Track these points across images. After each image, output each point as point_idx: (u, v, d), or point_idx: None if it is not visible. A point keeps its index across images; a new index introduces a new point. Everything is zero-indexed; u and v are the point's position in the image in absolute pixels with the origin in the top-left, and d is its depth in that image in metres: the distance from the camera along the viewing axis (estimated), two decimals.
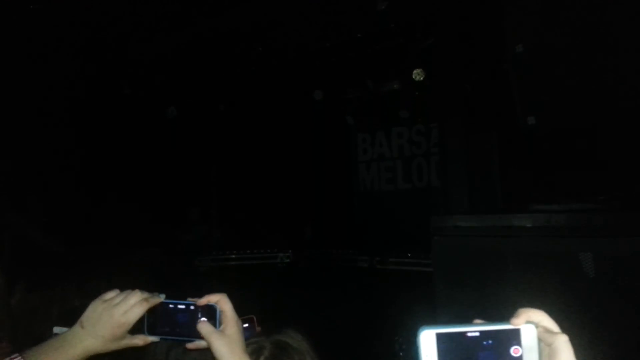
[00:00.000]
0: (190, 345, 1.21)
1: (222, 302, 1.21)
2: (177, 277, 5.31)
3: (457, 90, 3.66)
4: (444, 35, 3.94)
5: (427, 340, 0.90)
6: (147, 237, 5.45)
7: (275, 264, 5.81)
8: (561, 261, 2.10)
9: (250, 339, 1.33)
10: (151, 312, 1.22)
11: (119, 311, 1.18)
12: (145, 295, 1.23)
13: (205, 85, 5.47)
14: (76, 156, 5.31)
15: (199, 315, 1.20)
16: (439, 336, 0.90)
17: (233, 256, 5.89)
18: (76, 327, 1.20)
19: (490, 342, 0.90)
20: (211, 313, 1.20)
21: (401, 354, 3.33)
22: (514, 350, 0.90)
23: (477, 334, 0.90)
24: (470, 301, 2.44)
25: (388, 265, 5.21)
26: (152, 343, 1.25)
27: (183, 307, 1.22)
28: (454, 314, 2.55)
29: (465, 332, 0.90)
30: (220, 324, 1.20)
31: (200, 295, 1.21)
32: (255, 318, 1.75)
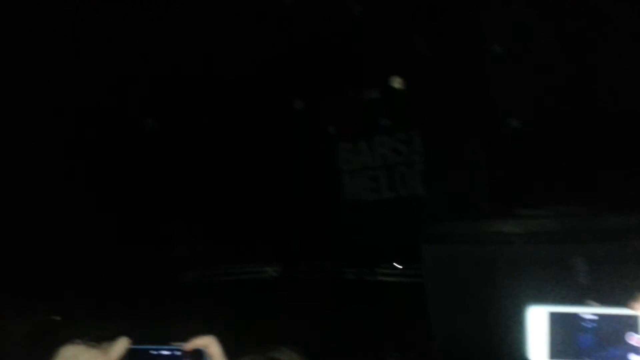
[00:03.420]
0: None
1: (210, 345, 1.12)
2: (162, 294, 5.19)
3: (439, 96, 3.65)
4: (422, 42, 3.93)
5: (538, 318, 0.85)
6: (130, 255, 5.33)
7: (263, 278, 5.72)
8: (553, 266, 2.08)
9: (243, 357, 1.26)
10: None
11: (100, 350, 1.05)
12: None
13: (184, 97, 5.40)
14: (53, 170, 5.18)
15: None
16: (551, 315, 0.85)
17: (220, 272, 5.79)
18: None
19: (605, 326, 0.84)
20: (199, 358, 1.11)
21: None
22: (632, 339, 0.83)
23: (592, 316, 0.84)
24: (463, 308, 2.40)
25: (376, 277, 5.16)
26: None
27: (167, 352, 1.10)
28: (447, 321, 2.51)
29: (579, 314, 0.85)
30: None
31: (186, 339, 1.12)
32: None
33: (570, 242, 2.15)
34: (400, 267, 4.95)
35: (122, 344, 1.06)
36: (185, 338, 1.10)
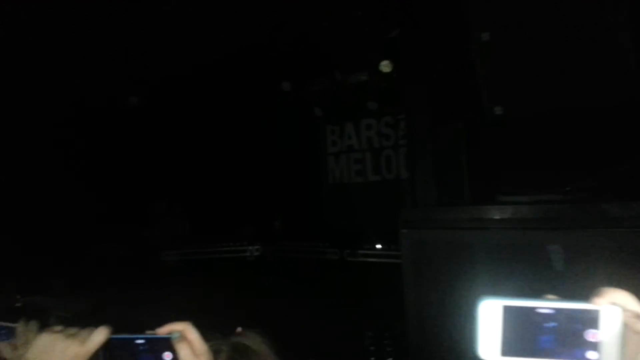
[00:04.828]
0: None
1: (187, 331, 1.07)
2: (143, 273, 5.18)
3: (424, 80, 3.63)
4: (409, 25, 3.90)
5: (491, 312, 0.78)
6: (111, 232, 5.30)
7: (245, 257, 5.73)
8: (530, 253, 2.09)
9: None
10: (106, 349, 1.07)
11: (77, 340, 1.02)
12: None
13: (168, 75, 5.32)
14: (33, 151, 5.10)
15: (162, 349, 1.08)
16: (506, 309, 0.79)
17: (201, 250, 5.78)
18: None
19: (564, 321, 0.78)
20: (169, 348, 1.07)
21: (371, 348, 3.31)
22: (590, 335, 0.77)
23: (550, 311, 0.78)
24: (439, 293, 2.42)
25: (358, 257, 5.19)
26: None
27: (143, 341, 1.08)
28: (423, 306, 2.53)
29: (535, 308, 0.78)
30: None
31: (162, 325, 1.08)
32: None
33: (548, 229, 2.16)
34: (382, 248, 4.99)
35: (101, 334, 1.04)
36: (161, 325, 1.08)
